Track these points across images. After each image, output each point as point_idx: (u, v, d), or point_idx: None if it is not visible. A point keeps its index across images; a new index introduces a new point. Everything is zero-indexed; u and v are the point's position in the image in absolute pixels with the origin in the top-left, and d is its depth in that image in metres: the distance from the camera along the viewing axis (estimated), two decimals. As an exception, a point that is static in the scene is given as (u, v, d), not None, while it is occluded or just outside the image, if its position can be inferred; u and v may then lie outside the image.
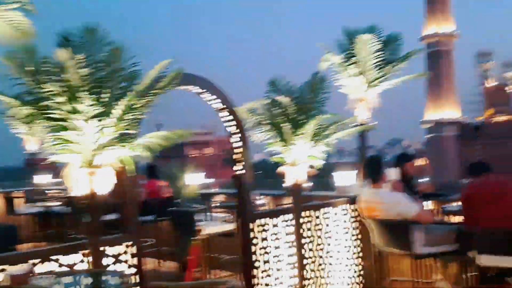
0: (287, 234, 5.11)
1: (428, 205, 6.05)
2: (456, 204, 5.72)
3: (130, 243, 3.81)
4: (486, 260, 4.03)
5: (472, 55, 65.33)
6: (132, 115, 3.24)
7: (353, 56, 5.78)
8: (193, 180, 10.96)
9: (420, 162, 6.86)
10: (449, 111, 46.49)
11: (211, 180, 20.79)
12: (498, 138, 43.52)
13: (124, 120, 3.21)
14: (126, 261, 3.78)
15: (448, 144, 46.03)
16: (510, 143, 42.03)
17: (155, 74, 3.36)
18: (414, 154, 6.02)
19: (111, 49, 3.17)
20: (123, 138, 3.24)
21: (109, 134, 3.18)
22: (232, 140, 4.96)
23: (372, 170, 4.73)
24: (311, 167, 4.93)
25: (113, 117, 3.17)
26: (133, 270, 3.81)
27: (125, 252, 3.78)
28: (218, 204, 8.49)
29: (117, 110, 3.17)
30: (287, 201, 7.67)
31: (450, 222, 5.49)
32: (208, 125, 64.11)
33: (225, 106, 4.80)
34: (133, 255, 3.81)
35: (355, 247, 5.75)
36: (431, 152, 46.20)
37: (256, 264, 4.75)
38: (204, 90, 4.55)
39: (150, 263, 6.50)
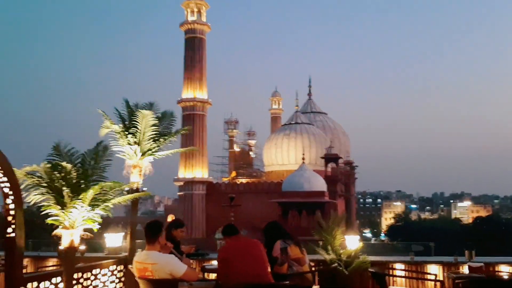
0: (56, 296, 5.16)
1: (192, 264, 6.79)
2: (213, 263, 6.63)
3: None
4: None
5: (222, 122, 72.22)
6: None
7: (132, 127, 6.33)
8: None
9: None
10: (199, 171, 49.85)
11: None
12: (239, 198, 48.55)
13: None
14: None
15: (198, 202, 49.09)
16: (249, 202, 47.21)
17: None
18: (182, 222, 6.75)
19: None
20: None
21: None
22: (6, 201, 4.87)
23: (150, 233, 5.21)
24: (87, 230, 5.16)
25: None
26: None
27: None
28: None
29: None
30: (52, 263, 7.51)
31: (209, 279, 6.31)
32: None
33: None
34: None
35: (122, 305, 6.06)
36: (183, 208, 48.49)
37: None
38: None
39: None
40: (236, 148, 68.46)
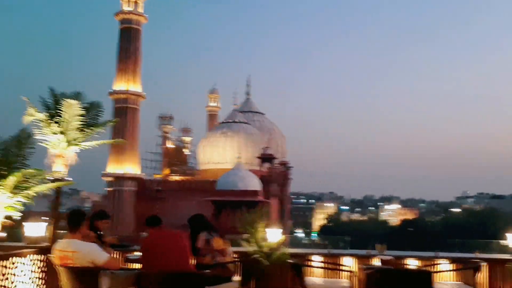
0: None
1: (114, 254, 6.81)
2: (136, 254, 6.70)
3: None
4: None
5: (156, 117, 71.10)
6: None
7: (57, 116, 6.25)
8: None
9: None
10: (130, 166, 48.83)
11: None
12: (172, 195, 48.21)
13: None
14: None
15: (128, 199, 48.10)
16: (182, 199, 46.94)
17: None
18: (107, 213, 6.75)
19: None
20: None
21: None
22: None
23: (72, 222, 5.20)
24: (7, 217, 5.09)
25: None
26: None
27: None
28: None
29: None
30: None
31: (132, 268, 6.37)
32: None
33: None
34: None
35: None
36: (111, 205, 47.23)
37: None
38: None
39: None
40: (170, 145, 67.62)
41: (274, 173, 53.69)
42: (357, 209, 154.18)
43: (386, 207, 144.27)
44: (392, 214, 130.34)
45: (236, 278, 6.20)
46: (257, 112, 65.27)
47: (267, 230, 6.91)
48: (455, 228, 66.77)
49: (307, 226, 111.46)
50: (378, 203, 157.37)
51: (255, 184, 45.83)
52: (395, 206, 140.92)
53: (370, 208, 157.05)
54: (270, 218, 6.97)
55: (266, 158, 52.82)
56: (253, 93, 68.21)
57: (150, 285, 5.06)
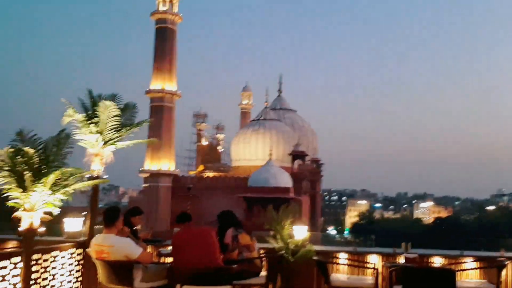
0: (13, 276, 5.40)
1: (148, 248, 7.12)
2: (169, 248, 7.01)
3: None
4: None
5: (191, 115, 72.10)
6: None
7: (95, 117, 6.58)
8: None
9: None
10: (166, 163, 49.76)
11: None
12: (205, 192, 48.85)
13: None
14: None
15: (163, 194, 49.02)
16: (215, 196, 47.52)
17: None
18: (141, 209, 7.07)
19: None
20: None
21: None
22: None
23: (108, 218, 5.53)
24: (47, 213, 5.42)
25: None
26: None
27: None
28: None
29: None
30: (11, 245, 7.71)
31: (163, 262, 6.68)
32: None
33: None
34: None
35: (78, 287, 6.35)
36: (147, 200, 48.25)
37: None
38: None
39: None
40: (204, 142, 68.48)
41: (306, 170, 53.67)
42: (390, 206, 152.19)
43: (420, 205, 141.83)
44: (426, 212, 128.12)
45: (263, 273, 6.41)
46: (288, 109, 65.30)
47: (293, 227, 7.11)
48: (489, 227, 65.25)
49: (339, 224, 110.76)
50: (412, 201, 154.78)
51: (286, 181, 45.93)
52: (429, 204, 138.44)
53: (403, 205, 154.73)
54: (300, 215, 7.14)
55: (297, 155, 52.82)
56: (285, 90, 68.19)
57: (181, 278, 5.33)
